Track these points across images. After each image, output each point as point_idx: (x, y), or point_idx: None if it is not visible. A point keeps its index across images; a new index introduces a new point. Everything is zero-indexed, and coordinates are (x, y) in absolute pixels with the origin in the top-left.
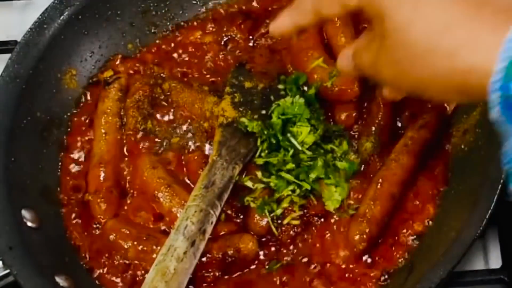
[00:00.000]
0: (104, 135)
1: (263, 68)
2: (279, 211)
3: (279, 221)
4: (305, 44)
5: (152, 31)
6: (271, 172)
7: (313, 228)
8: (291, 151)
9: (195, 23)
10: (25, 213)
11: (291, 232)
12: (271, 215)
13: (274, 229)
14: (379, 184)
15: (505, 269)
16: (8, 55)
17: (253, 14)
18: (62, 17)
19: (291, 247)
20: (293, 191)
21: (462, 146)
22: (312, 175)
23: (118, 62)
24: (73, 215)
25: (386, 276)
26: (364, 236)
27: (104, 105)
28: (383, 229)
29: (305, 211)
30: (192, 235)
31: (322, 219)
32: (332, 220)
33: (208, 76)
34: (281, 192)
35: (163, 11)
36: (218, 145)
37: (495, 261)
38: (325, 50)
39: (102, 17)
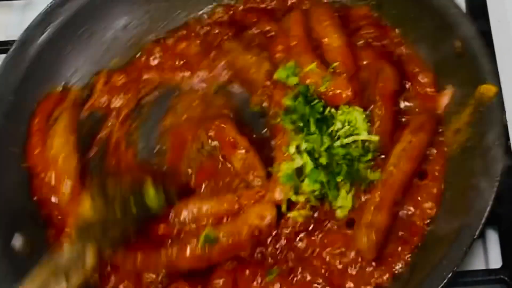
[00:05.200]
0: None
1: None
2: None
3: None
4: (296, 49)
5: (136, 44)
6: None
7: (316, 232)
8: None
9: (178, 35)
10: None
11: (291, 228)
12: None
13: (284, 207)
14: (382, 193)
15: (505, 269)
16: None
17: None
18: (43, 36)
19: (292, 253)
20: (313, 191)
21: (455, 146)
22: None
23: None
24: None
25: (388, 279)
26: (373, 245)
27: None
28: (388, 234)
29: (315, 214)
30: None
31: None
32: (335, 227)
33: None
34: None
35: (146, 24)
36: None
37: (495, 261)
38: (316, 55)
39: (85, 33)
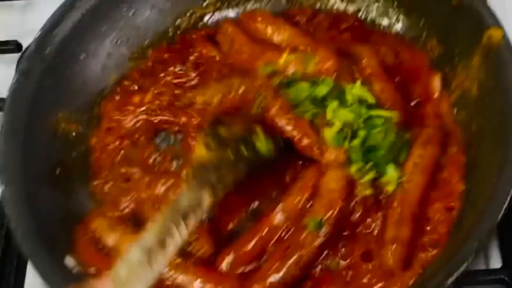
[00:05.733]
0: None
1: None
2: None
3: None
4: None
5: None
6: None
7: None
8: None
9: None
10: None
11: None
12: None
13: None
14: (399, 209)
15: (505, 269)
16: (8, 55)
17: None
18: (42, 65)
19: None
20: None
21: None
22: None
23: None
24: None
25: None
26: (399, 259)
27: None
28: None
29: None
30: (149, 249)
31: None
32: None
33: None
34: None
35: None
36: (188, 176)
37: (495, 261)
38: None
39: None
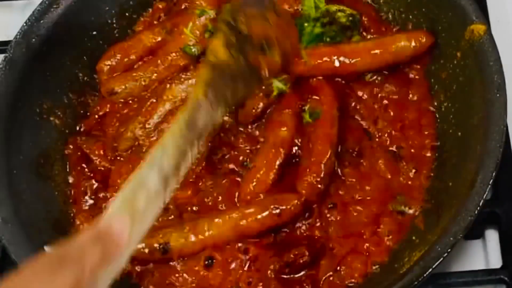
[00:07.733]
0: None
1: None
2: None
3: None
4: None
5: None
6: None
7: None
8: None
9: None
10: (48, 249)
11: None
12: None
13: None
14: None
15: (505, 269)
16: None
17: None
18: (27, 58)
19: None
20: None
21: (454, 87)
22: None
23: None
24: None
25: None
26: None
27: None
28: None
29: None
30: (166, 174)
31: None
32: None
33: None
34: None
35: None
36: (204, 85)
37: (495, 261)
38: None
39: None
